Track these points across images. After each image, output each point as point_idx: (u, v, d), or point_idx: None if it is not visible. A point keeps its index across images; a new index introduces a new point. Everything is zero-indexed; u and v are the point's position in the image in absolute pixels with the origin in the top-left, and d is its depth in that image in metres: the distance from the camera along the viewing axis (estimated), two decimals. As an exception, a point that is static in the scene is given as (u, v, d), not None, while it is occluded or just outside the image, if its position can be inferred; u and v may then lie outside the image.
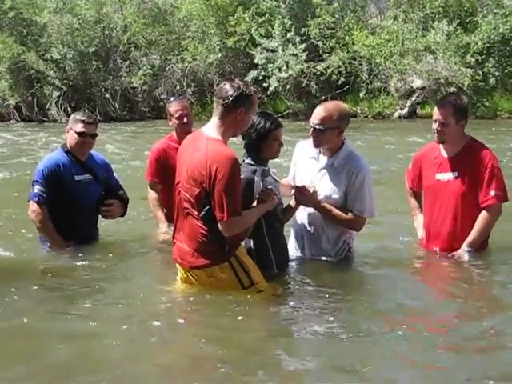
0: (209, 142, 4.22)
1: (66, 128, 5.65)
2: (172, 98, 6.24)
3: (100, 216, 5.81)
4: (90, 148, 5.63)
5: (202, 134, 4.33)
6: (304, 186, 4.77)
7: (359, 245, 5.22)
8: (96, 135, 5.64)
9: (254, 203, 4.42)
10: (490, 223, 5.07)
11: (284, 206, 4.83)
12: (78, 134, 5.51)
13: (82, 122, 5.52)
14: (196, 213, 4.27)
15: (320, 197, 4.78)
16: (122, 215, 5.87)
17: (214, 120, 4.31)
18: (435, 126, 5.07)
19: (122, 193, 5.86)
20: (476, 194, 5.03)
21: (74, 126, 5.53)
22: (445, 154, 5.16)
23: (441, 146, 5.17)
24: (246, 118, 4.32)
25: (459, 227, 5.11)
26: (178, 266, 4.56)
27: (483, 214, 5.02)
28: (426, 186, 5.28)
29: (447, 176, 5.12)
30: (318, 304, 4.41)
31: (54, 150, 5.76)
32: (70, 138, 5.56)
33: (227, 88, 4.26)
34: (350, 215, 4.78)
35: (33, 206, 5.48)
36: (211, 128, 4.31)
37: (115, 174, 5.99)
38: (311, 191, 4.74)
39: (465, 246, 5.06)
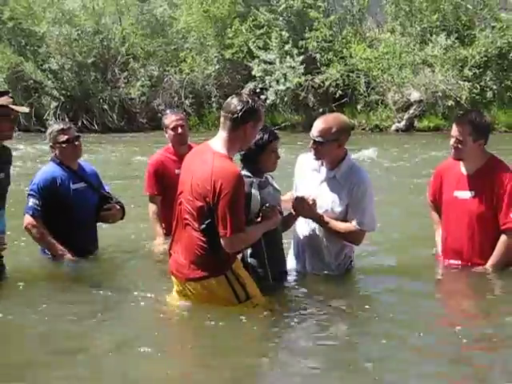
0: (215, 157, 4.22)
1: (49, 146, 5.68)
2: (167, 111, 6.33)
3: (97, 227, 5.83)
4: (80, 151, 5.68)
5: (209, 148, 4.33)
6: (303, 198, 4.76)
7: (359, 259, 5.20)
8: (79, 136, 5.71)
9: (258, 219, 4.42)
10: (511, 246, 4.96)
11: (284, 215, 4.82)
12: (65, 142, 5.55)
13: (62, 131, 5.59)
14: (196, 225, 4.26)
15: (322, 209, 4.77)
16: (121, 219, 5.88)
17: (222, 134, 4.30)
18: (451, 142, 4.99)
19: (115, 198, 5.88)
20: (493, 216, 4.95)
21: (57, 139, 5.58)
22: (464, 171, 5.07)
23: (461, 162, 5.07)
24: (254, 132, 4.33)
25: (476, 246, 5.03)
26: (173, 278, 4.54)
27: (503, 238, 4.94)
28: (445, 200, 5.19)
29: (465, 194, 5.03)
30: (315, 319, 4.39)
31: (46, 164, 5.79)
32: (60, 151, 5.60)
33: (235, 102, 4.27)
34: (349, 228, 4.75)
35: (27, 219, 5.52)
36: (218, 142, 4.31)
37: (104, 182, 6.02)
38: (310, 202, 4.72)
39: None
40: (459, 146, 4.94)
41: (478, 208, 4.97)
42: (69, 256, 5.53)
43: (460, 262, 5.12)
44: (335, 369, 3.78)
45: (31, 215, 5.49)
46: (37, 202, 5.48)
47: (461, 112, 5.25)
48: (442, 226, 5.27)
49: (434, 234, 5.43)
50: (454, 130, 4.98)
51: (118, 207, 5.78)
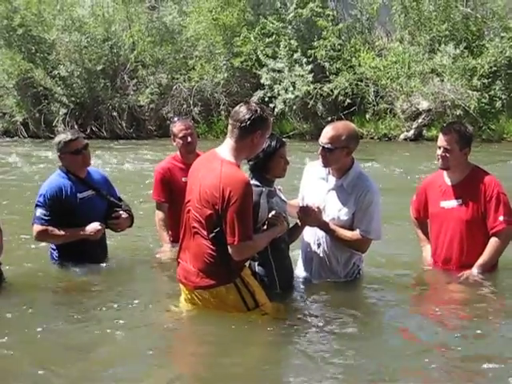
0: (223, 165, 4.22)
1: (57, 156, 5.64)
2: (176, 119, 6.30)
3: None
4: (89, 159, 5.66)
5: (217, 156, 4.33)
6: (307, 206, 4.75)
7: (366, 267, 5.19)
8: (88, 144, 5.67)
9: (265, 227, 4.42)
10: (501, 248, 5.09)
11: (290, 227, 4.82)
12: (75, 152, 5.53)
13: (71, 141, 5.54)
14: (205, 233, 4.26)
15: (329, 218, 4.77)
16: (130, 226, 5.87)
17: (229, 142, 4.30)
18: (439, 152, 5.11)
19: (125, 204, 5.86)
20: (481, 221, 5.06)
21: (67, 148, 5.54)
22: (449, 182, 5.20)
23: (445, 173, 5.21)
24: (261, 141, 4.34)
25: (465, 254, 5.12)
26: (181, 286, 4.54)
27: (493, 240, 5.04)
28: (431, 213, 5.31)
29: (451, 204, 5.14)
30: (323, 327, 4.38)
31: (52, 173, 5.79)
32: (69, 161, 5.58)
33: (244, 111, 4.27)
34: (355, 236, 4.75)
35: (36, 229, 5.52)
36: (226, 150, 4.31)
37: (114, 187, 5.99)
38: (316, 211, 4.72)
39: (475, 269, 5.05)
40: (447, 154, 5.07)
41: (466, 215, 5.09)
42: (90, 228, 5.50)
43: (452, 272, 5.19)
44: (343, 376, 3.77)
45: (40, 225, 5.48)
46: (44, 212, 5.47)
47: (445, 124, 5.42)
48: (431, 240, 5.37)
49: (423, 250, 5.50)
50: (442, 140, 5.11)
51: (126, 215, 5.76)
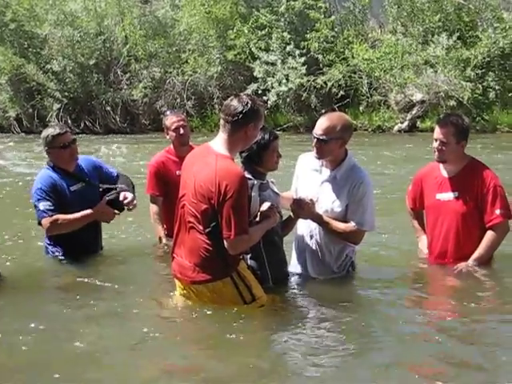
0: (218, 159, 4.20)
1: (45, 150, 5.58)
2: (168, 112, 6.29)
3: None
4: (77, 153, 5.59)
5: (211, 150, 4.30)
6: (300, 198, 4.74)
7: (359, 259, 5.20)
8: (75, 139, 5.61)
9: (257, 218, 4.41)
10: (497, 241, 5.06)
11: (284, 219, 4.81)
12: (63, 147, 5.47)
13: (59, 135, 5.48)
14: (201, 228, 4.24)
15: (322, 210, 4.75)
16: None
17: (223, 136, 4.28)
18: (435, 144, 5.06)
19: (121, 181, 5.76)
20: (477, 214, 5.03)
21: (54, 143, 5.48)
22: (445, 174, 5.15)
23: (441, 165, 5.17)
24: (255, 133, 4.31)
25: (461, 247, 5.10)
26: (176, 281, 4.53)
27: (490, 233, 5.02)
28: (427, 205, 5.27)
29: (448, 196, 5.11)
30: (319, 320, 4.39)
31: (41, 170, 5.74)
32: (56, 156, 5.51)
33: (235, 104, 4.23)
34: (349, 228, 4.74)
35: (47, 222, 5.39)
36: (220, 144, 4.29)
37: (108, 167, 5.92)
38: (309, 203, 4.71)
39: (470, 262, 5.04)
40: (443, 148, 5.02)
41: (462, 208, 5.05)
42: (94, 209, 5.44)
43: (447, 264, 5.17)
44: (337, 367, 3.78)
45: (49, 217, 5.36)
46: (48, 203, 5.36)
47: (441, 116, 5.37)
48: (427, 231, 5.35)
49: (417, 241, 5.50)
50: (438, 133, 5.05)
51: (130, 197, 5.59)
